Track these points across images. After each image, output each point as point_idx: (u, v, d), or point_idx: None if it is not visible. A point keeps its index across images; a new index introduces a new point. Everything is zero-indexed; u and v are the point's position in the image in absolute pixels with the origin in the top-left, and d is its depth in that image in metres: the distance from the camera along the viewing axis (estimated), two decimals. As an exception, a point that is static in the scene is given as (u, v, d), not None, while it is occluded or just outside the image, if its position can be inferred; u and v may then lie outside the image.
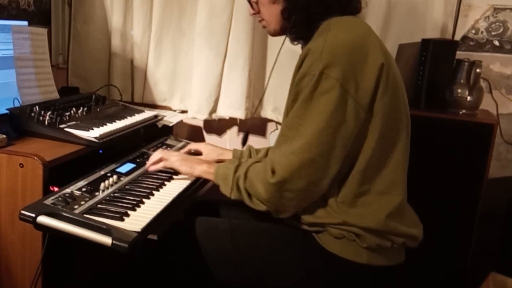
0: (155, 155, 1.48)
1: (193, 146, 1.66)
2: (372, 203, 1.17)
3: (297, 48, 1.33)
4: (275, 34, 1.32)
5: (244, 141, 1.44)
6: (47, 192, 1.23)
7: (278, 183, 1.11)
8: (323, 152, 1.10)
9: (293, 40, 1.31)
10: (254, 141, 2.22)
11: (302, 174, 1.10)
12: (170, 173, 1.49)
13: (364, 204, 1.17)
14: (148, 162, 1.49)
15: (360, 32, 1.17)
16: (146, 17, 2.15)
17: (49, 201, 1.17)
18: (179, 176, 1.47)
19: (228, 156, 1.59)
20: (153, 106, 2.19)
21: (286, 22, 1.25)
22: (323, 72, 1.08)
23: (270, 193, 1.13)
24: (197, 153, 1.64)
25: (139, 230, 1.11)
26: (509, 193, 2.00)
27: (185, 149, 1.67)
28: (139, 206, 1.25)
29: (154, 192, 1.36)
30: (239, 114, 2.10)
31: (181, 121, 2.12)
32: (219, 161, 1.54)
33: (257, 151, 1.55)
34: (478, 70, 1.83)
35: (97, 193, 1.28)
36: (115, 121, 1.63)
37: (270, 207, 1.17)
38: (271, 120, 2.18)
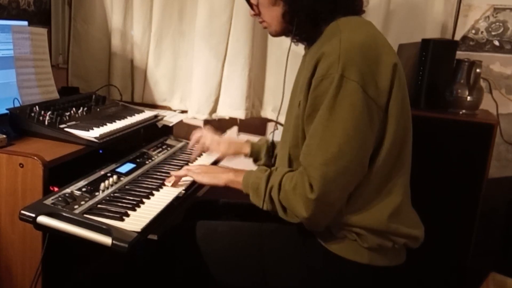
0: (179, 173, 1.43)
1: (198, 135, 1.65)
2: (374, 203, 1.16)
3: (297, 48, 1.32)
4: (276, 35, 1.31)
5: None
6: (47, 192, 1.23)
7: (318, 199, 1.08)
8: (356, 157, 1.09)
9: (297, 41, 1.29)
10: (254, 141, 2.22)
11: (338, 183, 1.09)
12: (170, 174, 1.48)
13: (366, 204, 1.16)
14: (171, 178, 1.44)
15: (371, 32, 1.16)
16: (146, 17, 2.15)
17: (49, 201, 1.17)
18: (183, 181, 1.46)
19: (246, 150, 1.57)
20: (153, 106, 2.19)
21: (288, 25, 1.23)
22: (344, 76, 1.06)
23: (312, 210, 1.09)
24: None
25: (139, 230, 1.11)
26: (509, 193, 2.00)
27: (192, 141, 1.66)
28: (139, 206, 1.25)
29: (154, 192, 1.36)
30: (239, 114, 2.10)
31: (181, 121, 2.12)
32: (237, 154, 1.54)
33: (274, 144, 1.52)
34: (478, 70, 1.83)
35: (97, 193, 1.28)
36: (115, 121, 1.63)
37: (309, 223, 1.14)
38: (271, 120, 2.18)
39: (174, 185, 1.41)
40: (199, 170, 1.39)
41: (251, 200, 1.23)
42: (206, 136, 1.66)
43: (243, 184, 1.26)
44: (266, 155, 1.55)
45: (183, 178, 1.44)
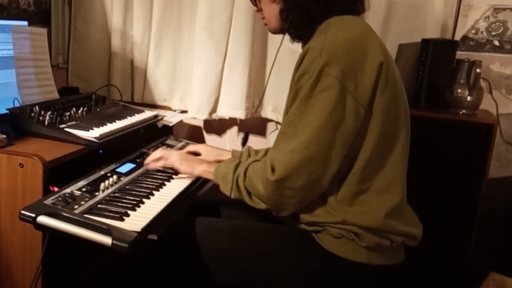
0: (156, 153, 1.49)
1: (192, 147, 1.66)
2: (371, 201, 1.17)
3: (297, 48, 1.33)
4: (275, 32, 1.33)
5: (244, 142, 1.44)
6: (47, 192, 1.23)
7: (278, 181, 1.11)
8: (323, 150, 1.10)
9: (293, 39, 1.31)
10: (254, 141, 2.22)
11: (301, 172, 1.10)
12: (170, 173, 1.49)
13: (363, 203, 1.17)
14: (148, 158, 1.50)
15: (359, 30, 1.17)
16: (146, 17, 2.15)
17: (49, 201, 1.17)
18: (179, 176, 1.47)
19: (227, 156, 1.59)
20: (153, 106, 2.19)
21: (284, 22, 1.26)
22: (323, 70, 1.08)
23: (270, 191, 1.13)
24: (196, 154, 1.64)
25: (139, 230, 1.11)
26: (509, 193, 2.01)
27: (184, 151, 1.66)
28: (139, 206, 1.25)
29: (154, 192, 1.36)
30: (239, 114, 2.10)
31: (181, 121, 2.12)
32: (219, 161, 1.53)
33: (256, 152, 1.55)
34: (478, 70, 1.83)
35: (97, 193, 1.28)
36: (115, 121, 1.63)
37: (270, 205, 1.17)
38: (271, 120, 2.18)
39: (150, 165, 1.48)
40: (177, 156, 1.45)
41: (221, 190, 1.27)
42: (197, 145, 1.69)
43: (214, 174, 1.31)
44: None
45: (183, 178, 1.45)
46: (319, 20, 1.21)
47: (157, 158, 1.48)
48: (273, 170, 1.12)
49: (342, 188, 1.17)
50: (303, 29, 1.25)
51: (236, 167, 1.24)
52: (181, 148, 1.81)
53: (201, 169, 1.38)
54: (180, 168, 1.44)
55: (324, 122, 1.09)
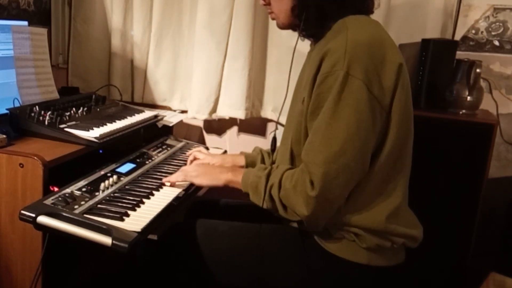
0: (178, 174, 1.41)
1: (196, 154, 1.60)
2: (373, 203, 1.16)
3: (301, 48, 1.31)
4: (283, 27, 1.30)
5: (273, 146, 1.33)
6: (47, 192, 1.23)
7: (319, 196, 1.07)
8: (357, 156, 1.08)
9: (303, 37, 1.27)
10: (254, 141, 2.22)
11: (339, 181, 1.08)
12: (170, 173, 1.48)
13: (365, 205, 1.16)
14: (169, 179, 1.42)
15: (377, 31, 1.16)
16: (146, 17, 2.15)
17: (49, 201, 1.17)
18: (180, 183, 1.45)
19: (241, 161, 1.54)
20: (153, 106, 2.19)
21: (296, 19, 1.22)
22: (349, 73, 1.06)
23: (313, 208, 1.09)
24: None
25: (139, 230, 1.11)
26: (509, 193, 2.01)
27: (189, 160, 1.60)
28: (139, 206, 1.25)
29: (154, 192, 1.36)
30: (239, 114, 2.10)
31: (181, 121, 2.12)
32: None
33: (269, 153, 1.51)
34: (478, 70, 1.83)
35: (97, 193, 1.28)
36: (115, 121, 1.63)
37: (309, 221, 1.13)
38: (271, 120, 2.18)
39: (173, 185, 1.41)
40: (196, 172, 1.37)
41: (251, 199, 1.22)
42: (201, 153, 1.63)
43: (243, 184, 1.24)
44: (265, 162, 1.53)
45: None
46: (332, 18, 1.18)
47: (181, 178, 1.40)
48: (312, 184, 1.08)
49: (352, 190, 1.15)
50: (316, 27, 1.21)
51: (268, 176, 1.18)
52: (180, 148, 1.82)
53: (226, 179, 1.29)
54: (202, 184, 1.36)
55: (356, 128, 1.06)
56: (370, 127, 1.08)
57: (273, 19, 1.31)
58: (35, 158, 1.22)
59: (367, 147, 1.10)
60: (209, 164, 1.51)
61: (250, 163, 1.53)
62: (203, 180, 1.34)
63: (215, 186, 1.33)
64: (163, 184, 1.42)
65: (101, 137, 1.44)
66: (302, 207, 1.10)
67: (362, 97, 1.06)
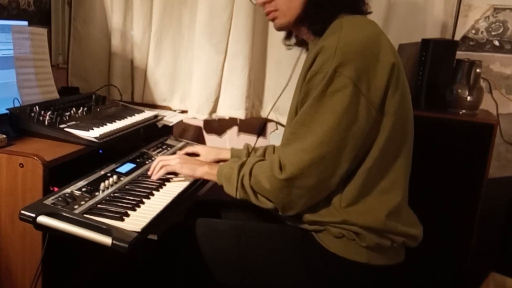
0: (154, 164, 1.46)
1: (190, 149, 1.66)
2: (373, 202, 1.17)
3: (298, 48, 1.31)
4: (283, 28, 1.30)
5: (260, 131, 1.40)
6: (47, 192, 1.23)
7: (288, 180, 1.11)
8: (334, 150, 1.10)
9: (307, 34, 1.27)
10: (254, 141, 2.21)
11: (312, 171, 1.10)
12: (170, 174, 1.48)
13: (364, 203, 1.17)
14: (150, 171, 1.47)
15: (372, 31, 1.17)
16: (146, 17, 2.15)
17: (49, 201, 1.17)
18: (179, 177, 1.47)
19: (226, 155, 1.59)
20: (153, 106, 2.19)
21: (304, 14, 1.21)
22: (336, 70, 1.08)
23: (278, 189, 1.13)
24: (195, 155, 1.64)
25: (139, 230, 1.11)
26: (509, 193, 2.00)
27: (182, 152, 1.66)
28: (139, 206, 1.25)
29: (154, 192, 1.36)
30: (239, 114, 2.10)
31: (181, 121, 2.12)
32: (219, 161, 1.53)
33: (255, 150, 1.55)
34: (478, 70, 1.83)
35: (97, 193, 1.28)
36: (115, 121, 1.63)
37: (277, 203, 1.16)
38: (271, 120, 2.18)
39: (151, 173, 1.45)
40: (177, 160, 1.43)
41: (225, 191, 1.26)
42: (195, 146, 1.69)
43: (217, 176, 1.29)
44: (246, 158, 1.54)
45: (183, 178, 1.44)
46: (332, 15, 1.19)
47: (158, 168, 1.45)
48: (281, 168, 1.12)
49: (347, 187, 1.17)
50: (320, 24, 1.21)
51: (241, 167, 1.23)
52: (181, 148, 1.82)
53: (203, 171, 1.36)
54: (181, 171, 1.42)
55: (337, 122, 1.08)
56: (354, 124, 1.09)
57: (273, 19, 1.29)
58: (35, 158, 1.23)
59: (348, 143, 1.10)
60: (191, 157, 1.55)
61: (235, 157, 1.56)
62: (183, 168, 1.40)
63: (191, 176, 1.41)
64: (163, 184, 1.42)
65: (101, 137, 1.44)
66: (268, 188, 1.14)
67: (347, 93, 1.07)
